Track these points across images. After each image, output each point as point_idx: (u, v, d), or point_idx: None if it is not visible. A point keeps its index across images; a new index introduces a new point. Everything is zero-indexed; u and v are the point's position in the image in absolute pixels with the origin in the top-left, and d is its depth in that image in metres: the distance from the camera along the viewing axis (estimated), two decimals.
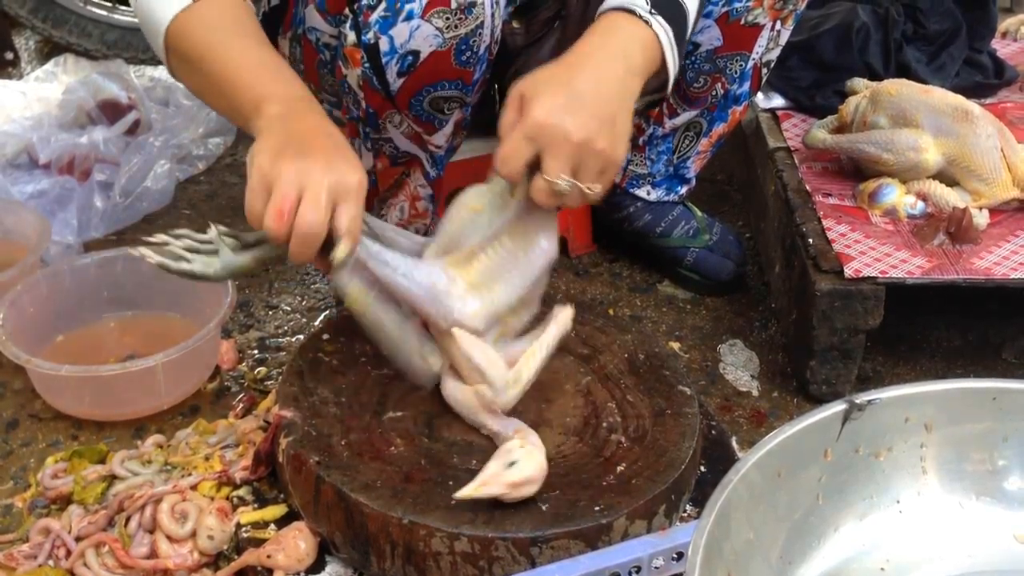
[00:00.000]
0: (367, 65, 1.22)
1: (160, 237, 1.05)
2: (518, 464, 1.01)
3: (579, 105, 1.02)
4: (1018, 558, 0.87)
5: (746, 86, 1.57)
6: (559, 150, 1.02)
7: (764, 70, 1.57)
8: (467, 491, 0.99)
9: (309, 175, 0.97)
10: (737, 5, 1.45)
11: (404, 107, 1.26)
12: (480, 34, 1.21)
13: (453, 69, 1.22)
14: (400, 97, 1.25)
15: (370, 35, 1.19)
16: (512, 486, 1.01)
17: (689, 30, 1.16)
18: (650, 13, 1.09)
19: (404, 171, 1.41)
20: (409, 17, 1.16)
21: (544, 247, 1.10)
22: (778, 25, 1.50)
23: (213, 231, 1.08)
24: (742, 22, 1.47)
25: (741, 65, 1.53)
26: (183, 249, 1.05)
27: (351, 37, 1.22)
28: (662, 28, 1.10)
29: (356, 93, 1.29)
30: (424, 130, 1.31)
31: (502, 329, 1.13)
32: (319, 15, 1.29)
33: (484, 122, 1.57)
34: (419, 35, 1.17)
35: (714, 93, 1.57)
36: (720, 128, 1.63)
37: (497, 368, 1.09)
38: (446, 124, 1.31)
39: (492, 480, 1.00)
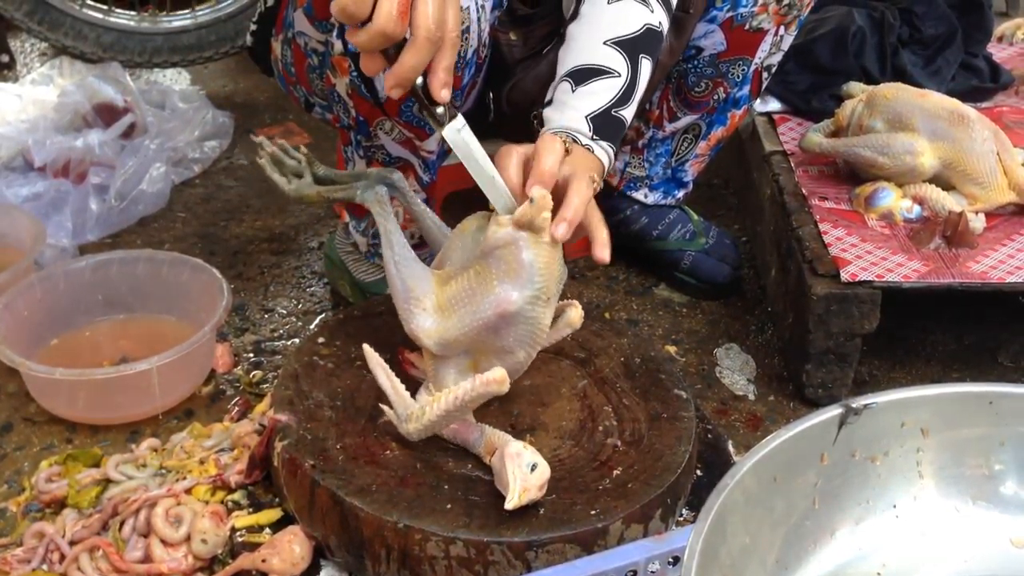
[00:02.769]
0: (355, 74, 1.22)
1: (261, 138, 1.19)
2: (539, 465, 1.02)
3: None
4: (1014, 562, 0.87)
5: (746, 89, 1.57)
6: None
7: (765, 74, 1.57)
8: (514, 501, 0.99)
9: None
10: (742, 10, 1.46)
11: (394, 114, 1.26)
12: (466, 39, 1.21)
13: None
14: (389, 104, 1.25)
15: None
16: (542, 487, 1.02)
17: (624, 132, 1.23)
18: (592, 139, 1.16)
19: None
20: None
21: (497, 295, 1.02)
22: (781, 31, 1.50)
23: (302, 155, 1.19)
24: (746, 27, 1.47)
25: (743, 70, 1.53)
26: (272, 159, 1.18)
27: (338, 46, 1.22)
28: (604, 152, 1.17)
29: (346, 102, 1.29)
30: (416, 136, 1.31)
31: (473, 367, 1.09)
32: (307, 20, 1.29)
33: (477, 129, 1.57)
34: None
35: (715, 97, 1.57)
36: (719, 132, 1.63)
37: (401, 398, 1.08)
38: None
39: (530, 487, 1.01)
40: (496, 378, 1.01)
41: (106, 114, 1.94)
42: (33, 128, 1.89)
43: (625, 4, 1.24)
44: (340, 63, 1.24)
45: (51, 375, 1.27)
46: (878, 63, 1.83)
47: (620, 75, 1.20)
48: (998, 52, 2.07)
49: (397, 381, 1.08)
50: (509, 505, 0.99)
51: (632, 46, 1.22)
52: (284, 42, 1.39)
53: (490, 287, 1.03)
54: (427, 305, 1.08)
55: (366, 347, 1.09)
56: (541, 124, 1.36)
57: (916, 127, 1.52)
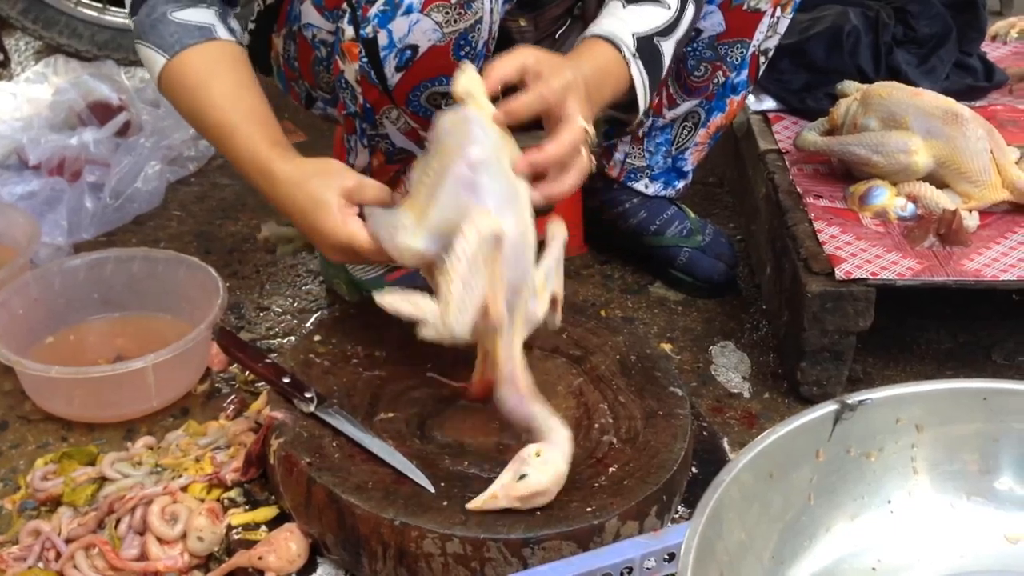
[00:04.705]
0: (365, 60, 1.22)
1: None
2: (528, 477, 1.00)
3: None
4: (1009, 558, 0.88)
5: (744, 74, 1.58)
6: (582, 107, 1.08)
7: (762, 59, 1.58)
8: (477, 502, 0.99)
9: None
10: None
11: (402, 102, 1.26)
12: (479, 29, 1.21)
13: (451, 64, 1.21)
14: (398, 92, 1.25)
15: (368, 29, 1.19)
16: (522, 499, 1.00)
17: (662, 76, 1.24)
18: (633, 56, 1.18)
19: (400, 169, 1.41)
20: (408, 11, 1.16)
21: (460, 154, 1.03)
22: (778, 12, 1.51)
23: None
24: (744, 7, 1.48)
25: (741, 52, 1.54)
26: None
27: (349, 32, 1.22)
28: (640, 76, 1.19)
29: (354, 88, 1.29)
30: (421, 126, 1.31)
31: None
32: (316, 11, 1.29)
33: None
34: (418, 29, 1.17)
35: (714, 81, 1.58)
36: (718, 119, 1.63)
37: (425, 304, 1.03)
38: None
39: (502, 493, 1.00)
40: (488, 222, 0.99)
41: (101, 112, 1.94)
42: (27, 126, 1.88)
43: None
44: (351, 49, 1.23)
45: (46, 373, 1.27)
46: (872, 62, 1.83)
47: (670, 8, 1.23)
48: (992, 51, 2.08)
49: (415, 294, 1.05)
50: (470, 504, 0.99)
51: None
52: (287, 36, 1.39)
53: (451, 155, 1.03)
54: (406, 223, 1.07)
55: (377, 295, 1.06)
56: None
57: (910, 125, 1.52)
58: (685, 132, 1.65)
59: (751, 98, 1.81)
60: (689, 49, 1.54)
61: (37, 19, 2.21)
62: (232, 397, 1.35)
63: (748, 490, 0.79)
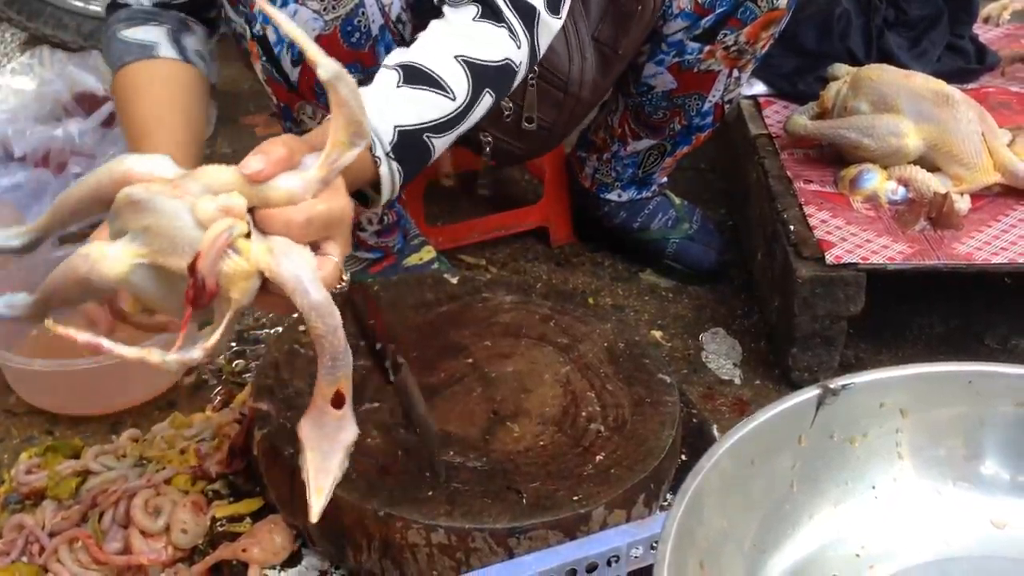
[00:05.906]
0: (264, 59, 1.20)
1: None
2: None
3: None
4: (995, 543, 0.87)
5: (708, 119, 1.57)
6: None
7: (727, 106, 1.57)
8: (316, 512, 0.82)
9: None
10: (688, 57, 1.45)
11: (310, 96, 1.22)
12: (363, 13, 1.17)
13: (346, 52, 1.17)
14: (302, 87, 1.21)
15: (257, 27, 1.17)
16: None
17: (429, 162, 1.06)
18: (387, 155, 0.98)
19: None
20: (285, 3, 1.14)
21: None
22: (736, 72, 1.50)
23: None
24: (695, 70, 1.47)
25: (699, 104, 1.53)
26: None
27: (248, 30, 1.19)
28: (389, 175, 0.99)
29: (266, 88, 1.27)
30: None
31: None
32: (228, 4, 1.25)
33: None
34: (298, 20, 1.15)
35: (672, 126, 1.57)
36: (684, 149, 1.63)
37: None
38: None
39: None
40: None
41: (86, 103, 1.93)
42: (13, 118, 1.88)
43: (493, 29, 1.08)
44: (252, 48, 1.21)
45: (30, 366, 1.27)
46: (864, 45, 1.82)
47: (455, 99, 1.04)
48: (984, 33, 2.06)
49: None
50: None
51: (483, 74, 1.06)
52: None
53: None
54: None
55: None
56: (490, 141, 1.32)
57: (901, 108, 1.51)
58: (651, 159, 1.64)
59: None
60: (644, 100, 1.54)
61: (22, 10, 2.20)
62: (219, 388, 1.35)
63: (729, 477, 0.78)
